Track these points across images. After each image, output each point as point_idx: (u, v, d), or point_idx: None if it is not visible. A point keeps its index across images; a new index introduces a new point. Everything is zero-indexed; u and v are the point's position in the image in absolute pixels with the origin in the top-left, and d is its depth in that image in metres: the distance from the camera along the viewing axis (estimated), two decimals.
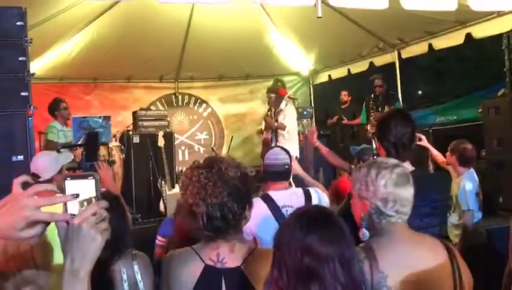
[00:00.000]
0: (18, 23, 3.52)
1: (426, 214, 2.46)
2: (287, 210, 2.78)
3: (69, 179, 1.17)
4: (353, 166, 3.67)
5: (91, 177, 1.17)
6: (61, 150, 4.78)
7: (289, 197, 2.87)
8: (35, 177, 3.03)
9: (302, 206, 1.63)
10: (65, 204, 1.15)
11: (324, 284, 1.30)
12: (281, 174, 2.98)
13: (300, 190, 2.98)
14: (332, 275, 1.30)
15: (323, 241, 1.33)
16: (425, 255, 1.74)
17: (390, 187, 1.78)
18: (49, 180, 3.04)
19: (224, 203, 1.75)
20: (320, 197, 2.97)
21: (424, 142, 4.35)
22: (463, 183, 4.20)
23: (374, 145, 3.23)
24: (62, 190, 1.16)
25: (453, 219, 4.34)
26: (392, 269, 1.66)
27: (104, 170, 3.20)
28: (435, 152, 4.51)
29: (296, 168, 3.24)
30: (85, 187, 1.16)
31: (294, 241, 1.36)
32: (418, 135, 4.31)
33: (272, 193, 2.87)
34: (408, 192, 1.80)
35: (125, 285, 2.10)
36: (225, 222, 1.77)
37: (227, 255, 1.80)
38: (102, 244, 1.12)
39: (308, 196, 2.90)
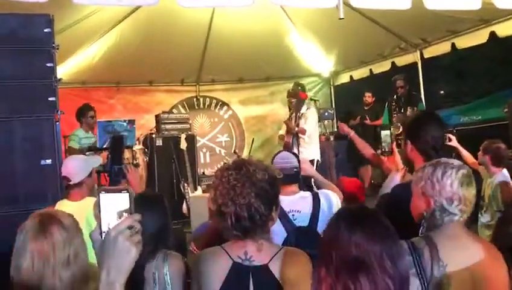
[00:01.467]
0: (46, 30, 3.58)
1: None
2: (293, 215, 2.77)
3: (103, 192, 1.20)
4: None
5: (125, 191, 1.20)
6: (87, 153, 4.86)
7: (296, 202, 2.84)
8: (67, 180, 3.12)
9: (345, 207, 1.66)
10: (99, 217, 1.20)
11: (373, 275, 1.30)
12: (290, 177, 2.93)
13: (308, 193, 2.96)
14: (381, 266, 1.31)
15: (369, 240, 1.34)
16: (482, 252, 1.81)
17: (456, 187, 1.84)
18: (80, 183, 3.12)
19: (252, 204, 1.79)
20: (331, 199, 2.91)
21: (454, 142, 4.27)
22: (497, 184, 4.14)
23: (386, 147, 3.20)
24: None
25: (484, 219, 4.27)
26: (451, 258, 1.74)
27: (132, 173, 3.27)
28: (465, 153, 4.42)
29: (308, 168, 3.22)
30: (119, 200, 1.19)
31: (340, 240, 1.37)
32: (447, 135, 4.26)
33: (280, 198, 2.86)
34: (471, 193, 1.87)
35: (156, 288, 2.13)
36: (252, 222, 1.81)
37: (255, 254, 1.84)
38: (136, 256, 1.15)
39: (316, 200, 2.86)
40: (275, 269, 1.81)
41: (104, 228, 1.18)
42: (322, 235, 1.50)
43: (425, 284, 1.71)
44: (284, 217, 2.73)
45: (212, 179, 1.97)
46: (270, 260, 1.83)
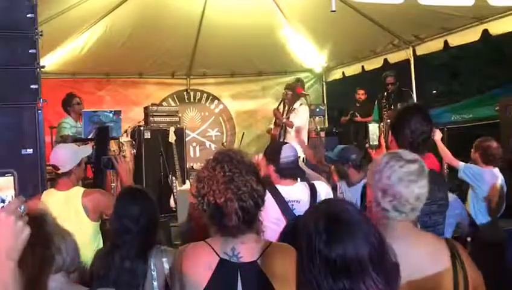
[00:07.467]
0: (28, 15, 3.49)
1: (434, 212, 2.43)
2: (292, 205, 2.82)
3: None
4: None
5: (9, 174, 1.24)
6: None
7: (295, 192, 2.90)
8: (55, 168, 3.06)
9: (321, 203, 1.53)
10: None
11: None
12: (295, 170, 3.01)
13: (305, 183, 3.01)
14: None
15: (336, 243, 1.19)
16: (424, 256, 1.66)
17: (393, 180, 1.68)
18: (69, 172, 3.06)
19: (254, 189, 1.74)
20: (327, 189, 3.02)
21: (437, 136, 4.17)
22: None
23: (375, 141, 3.17)
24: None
25: None
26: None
27: (121, 164, 3.22)
28: (443, 150, 4.31)
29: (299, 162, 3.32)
30: (4, 184, 1.23)
31: (315, 253, 1.22)
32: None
33: (280, 187, 2.89)
34: (411, 192, 1.68)
35: (155, 284, 2.09)
36: (257, 208, 1.77)
37: (243, 250, 1.76)
38: (28, 236, 1.15)
39: (313, 190, 2.93)
40: (263, 265, 1.73)
41: None
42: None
43: None
44: (285, 206, 2.80)
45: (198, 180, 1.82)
46: (259, 256, 1.75)
